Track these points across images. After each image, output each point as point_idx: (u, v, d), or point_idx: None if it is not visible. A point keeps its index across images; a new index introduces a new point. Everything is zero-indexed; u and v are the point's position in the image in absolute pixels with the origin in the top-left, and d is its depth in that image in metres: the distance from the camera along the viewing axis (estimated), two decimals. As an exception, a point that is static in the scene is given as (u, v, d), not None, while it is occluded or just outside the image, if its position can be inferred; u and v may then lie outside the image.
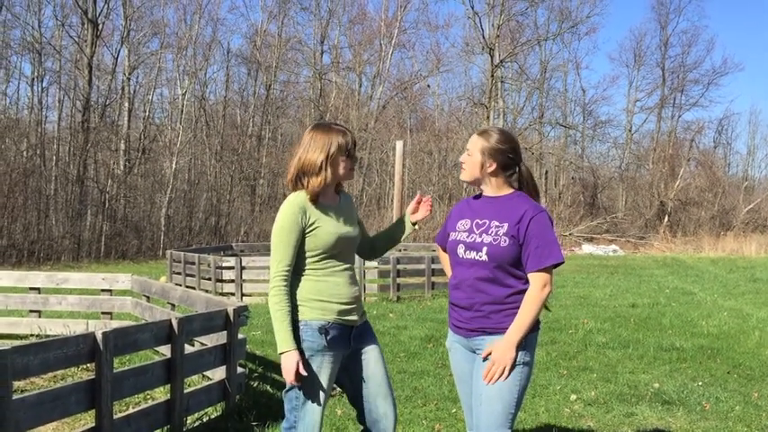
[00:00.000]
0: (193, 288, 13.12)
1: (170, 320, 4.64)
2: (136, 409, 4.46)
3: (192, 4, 35.18)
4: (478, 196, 3.20)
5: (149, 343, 4.69)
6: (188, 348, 5.14)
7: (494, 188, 3.12)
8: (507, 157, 3.09)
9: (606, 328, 9.17)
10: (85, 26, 29.79)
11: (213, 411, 5.07)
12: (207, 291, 12.59)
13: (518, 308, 2.95)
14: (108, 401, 3.95)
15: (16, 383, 4.84)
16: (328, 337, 2.97)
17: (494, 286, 2.99)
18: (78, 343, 3.90)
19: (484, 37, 38.40)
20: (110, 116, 32.00)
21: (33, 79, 30.25)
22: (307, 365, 2.92)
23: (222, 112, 36.72)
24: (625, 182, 43.60)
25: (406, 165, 29.08)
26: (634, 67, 46.01)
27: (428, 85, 41.99)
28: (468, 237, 3.06)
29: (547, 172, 42.41)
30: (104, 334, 3.96)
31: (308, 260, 3.03)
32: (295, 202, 3.03)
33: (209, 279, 14.02)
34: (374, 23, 40.49)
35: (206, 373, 5.60)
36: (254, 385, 5.89)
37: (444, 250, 3.28)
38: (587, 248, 31.52)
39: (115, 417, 4.08)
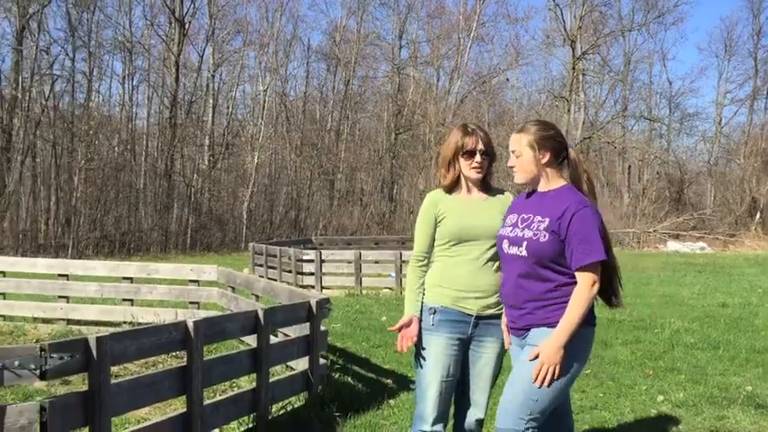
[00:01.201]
0: (275, 280, 13.41)
1: (256, 311, 4.76)
2: (224, 396, 4.61)
3: (273, 2, 35.94)
4: (531, 193, 3.16)
5: (236, 333, 4.84)
6: (272, 339, 5.27)
7: (547, 181, 3.07)
8: (557, 142, 3.06)
9: (694, 327, 8.84)
10: (173, 25, 30.85)
11: (296, 401, 5.18)
12: (288, 283, 12.85)
13: (562, 302, 2.90)
14: (198, 388, 4.09)
15: (111, 369, 5.10)
16: (435, 320, 3.18)
17: (534, 282, 2.96)
18: (171, 331, 4.05)
19: (565, 29, 37.60)
20: (195, 112, 33.03)
21: (124, 77, 31.56)
22: (419, 345, 3.22)
23: (302, 107, 37.31)
24: (714, 177, 41.85)
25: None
26: (724, 58, 44.02)
27: (507, 79, 41.46)
28: (511, 232, 3.05)
29: (630, 167, 41.21)
30: (195, 323, 4.11)
31: (437, 248, 3.26)
32: (430, 195, 3.34)
33: (290, 271, 14.29)
34: (452, 17, 40.27)
35: (289, 364, 5.72)
36: (336, 377, 5.98)
37: None
38: (673, 246, 30.43)
39: (204, 403, 4.22)
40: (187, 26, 30.94)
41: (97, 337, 3.52)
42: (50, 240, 23.69)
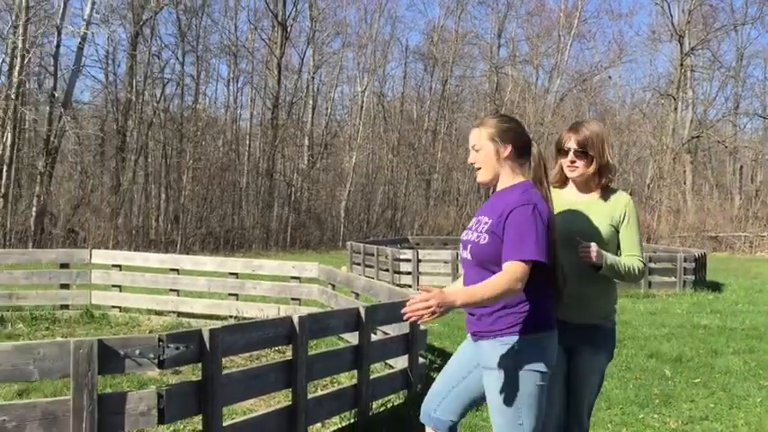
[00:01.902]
0: (372, 278, 13.57)
1: (358, 309, 4.84)
2: (327, 391, 4.71)
3: (372, 3, 36.34)
4: (493, 192, 2.95)
5: (339, 329, 4.94)
6: (373, 336, 5.34)
7: (507, 178, 2.85)
8: (518, 135, 2.85)
9: (814, 338, 8.32)
10: (275, 29, 31.72)
11: (396, 399, 5.23)
12: (385, 282, 12.97)
13: (509, 309, 2.70)
14: (303, 382, 4.20)
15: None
16: None
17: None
18: (277, 326, 4.18)
19: (673, 23, 36.11)
20: (295, 113, 33.83)
21: (229, 80, 32.72)
22: None
23: (399, 107, 37.53)
24: (835, 178, 39.11)
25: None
26: None
27: (609, 77, 40.22)
28: (465, 235, 2.88)
29: (742, 167, 39.06)
30: (300, 318, 4.22)
31: None
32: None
33: (387, 270, 14.42)
34: (553, 14, 39.48)
35: (388, 362, 5.78)
36: (434, 376, 5.98)
37: None
38: (790, 251, 28.70)
39: (308, 397, 4.33)
40: (289, 29, 31.73)
41: (210, 330, 3.68)
42: (160, 236, 24.89)
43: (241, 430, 3.87)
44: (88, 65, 25.25)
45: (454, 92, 38.77)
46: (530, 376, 2.70)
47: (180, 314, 8.88)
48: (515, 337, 2.70)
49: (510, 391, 2.69)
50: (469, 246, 2.80)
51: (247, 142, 32.31)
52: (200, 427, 4.10)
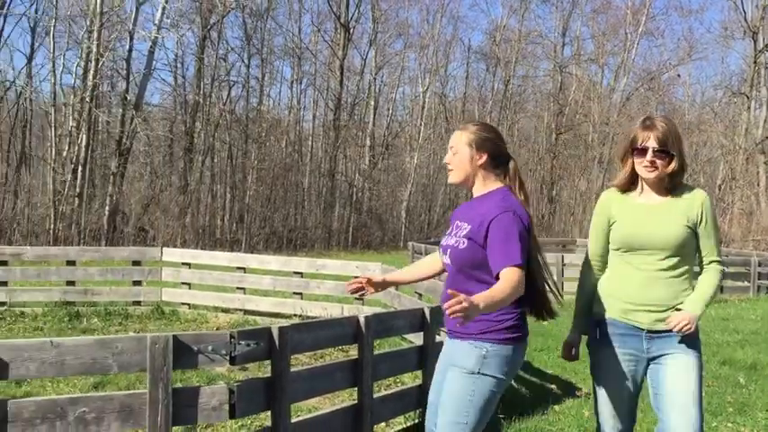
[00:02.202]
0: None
1: (422, 309, 4.84)
2: (392, 391, 4.74)
3: (434, 4, 36.30)
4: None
5: (403, 329, 4.95)
6: (436, 337, 5.34)
7: (482, 184, 2.95)
8: (496, 146, 2.95)
9: None
10: (338, 30, 32.02)
11: (460, 400, 5.21)
12: (447, 283, 12.94)
13: (483, 314, 2.66)
14: (369, 381, 4.23)
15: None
16: (599, 334, 3.04)
17: (458, 290, 2.68)
18: (344, 325, 4.22)
19: (746, 20, 34.81)
20: (357, 114, 34.07)
21: (293, 82, 33.18)
22: (591, 357, 3.13)
23: (461, 108, 37.37)
24: None
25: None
26: None
27: (678, 75, 39.06)
28: (445, 240, 2.98)
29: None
30: (366, 318, 4.25)
31: (611, 252, 3.07)
32: (603, 195, 3.13)
33: (449, 271, 14.38)
34: (619, 12, 38.63)
35: (453, 363, 5.77)
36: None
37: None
38: None
39: (376, 395, 4.36)
40: (351, 31, 31.98)
41: (280, 327, 3.75)
42: (226, 235, 25.43)
43: (308, 427, 3.93)
44: (158, 68, 26.04)
45: (516, 92, 38.37)
46: (488, 381, 2.79)
47: (246, 312, 9.07)
48: (487, 344, 2.79)
49: (466, 391, 2.79)
50: (449, 251, 2.88)
51: (310, 143, 32.71)
52: (266, 423, 4.18)
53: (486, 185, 2.95)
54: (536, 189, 36.36)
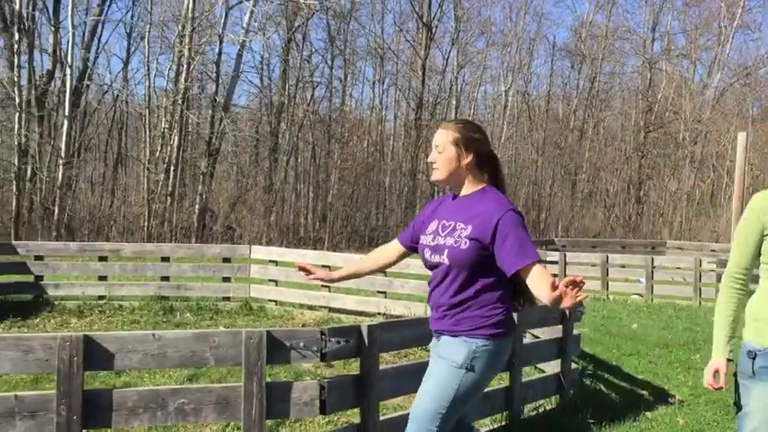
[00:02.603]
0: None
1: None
2: (478, 392, 4.70)
3: (517, 1, 35.82)
4: (454, 197, 3.03)
5: (490, 330, 4.91)
6: (524, 339, 5.28)
7: (468, 184, 2.98)
8: (482, 144, 2.98)
9: None
10: (420, 30, 32.04)
11: (548, 403, 5.14)
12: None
13: (474, 312, 2.86)
14: (456, 381, 4.23)
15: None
16: (756, 366, 2.59)
17: (452, 289, 2.88)
18: (427, 325, 4.23)
19: None
20: (439, 114, 34.00)
21: (375, 82, 33.43)
22: (737, 391, 2.67)
23: (545, 106, 36.74)
24: None
25: (747, 159, 26.21)
26: None
27: (777, 69, 37.17)
28: (432, 240, 2.95)
29: None
30: (454, 318, 4.25)
31: (762, 266, 2.64)
32: (757, 198, 2.67)
33: (533, 272, 14.16)
34: (713, 5, 37.04)
35: (539, 366, 5.69)
36: (587, 383, 5.83)
37: (408, 247, 3.20)
38: None
39: (461, 396, 4.35)
40: (434, 30, 31.93)
41: (369, 326, 3.81)
42: (309, 234, 25.88)
43: (396, 425, 3.95)
44: (245, 70, 26.69)
45: (603, 89, 37.39)
46: (474, 376, 2.86)
47: (331, 309, 9.20)
48: (478, 340, 2.85)
49: (451, 383, 2.85)
50: (446, 251, 2.87)
51: (391, 143, 32.87)
52: (353, 420, 4.24)
53: (472, 185, 2.98)
54: (623, 189, 35.35)
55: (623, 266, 13.84)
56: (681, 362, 7.06)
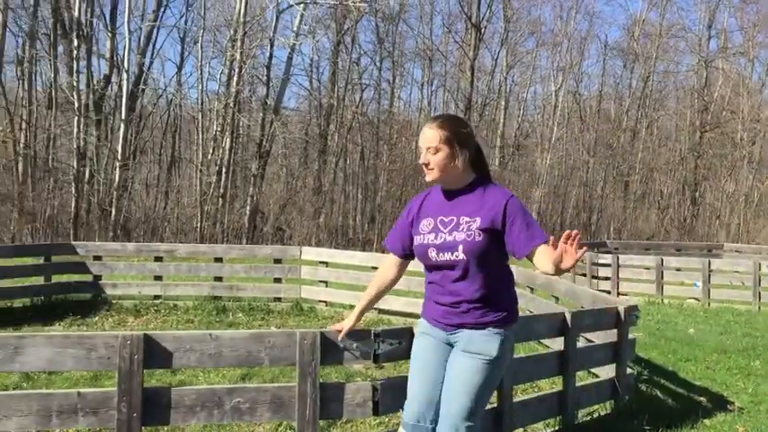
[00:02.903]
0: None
1: (563, 313, 4.74)
2: (532, 396, 4.67)
3: (568, 0, 35.34)
4: (444, 192, 3.03)
5: (543, 333, 4.87)
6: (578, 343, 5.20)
7: (462, 178, 2.99)
8: (471, 139, 3.01)
9: None
10: (469, 31, 31.88)
11: (602, 409, 5.06)
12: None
13: (494, 303, 2.93)
14: (509, 385, 4.20)
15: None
16: None
17: (469, 283, 2.91)
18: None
19: None
20: (488, 115, 33.77)
21: (423, 83, 33.40)
22: None
23: (596, 106, 36.16)
24: None
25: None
26: None
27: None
28: (435, 238, 2.94)
29: None
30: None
31: None
32: None
33: (584, 275, 13.95)
34: (773, 0, 35.92)
35: (592, 370, 5.60)
36: (643, 388, 5.72)
37: (404, 256, 3.20)
38: None
39: (514, 400, 4.32)
40: (483, 31, 31.74)
41: (412, 328, 3.79)
42: (358, 235, 25.99)
43: (448, 428, 3.94)
44: (295, 73, 26.91)
45: (656, 88, 36.61)
46: (503, 365, 2.99)
47: (380, 311, 9.21)
48: (503, 329, 2.95)
49: (487, 377, 2.92)
50: (460, 246, 2.88)
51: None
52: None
53: (464, 178, 3.02)
54: (677, 190, 34.57)
55: (678, 270, 13.52)
56: (740, 368, 6.86)
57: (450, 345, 3.03)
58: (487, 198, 2.95)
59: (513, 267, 8.37)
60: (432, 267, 3.02)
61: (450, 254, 2.91)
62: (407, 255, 3.19)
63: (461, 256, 2.89)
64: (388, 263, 3.29)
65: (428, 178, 3.01)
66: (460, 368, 2.95)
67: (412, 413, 3.01)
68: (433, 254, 2.96)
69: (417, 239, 3.02)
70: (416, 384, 3.05)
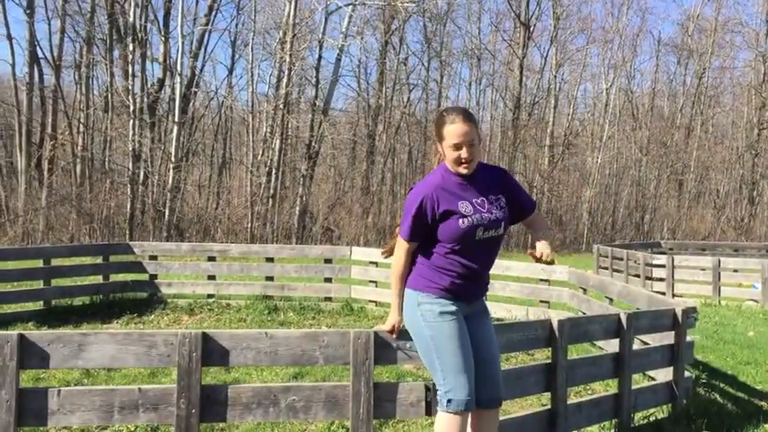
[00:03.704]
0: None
1: (618, 315, 4.66)
2: (586, 398, 4.60)
3: (620, -4, 34.69)
4: (444, 178, 3.22)
5: (597, 335, 4.78)
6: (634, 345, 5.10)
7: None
8: None
9: None
10: (518, 29, 31.61)
11: (659, 412, 4.95)
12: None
13: None
14: (563, 386, 4.15)
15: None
16: None
17: (495, 257, 3.37)
18: (537, 328, 4.17)
19: None
20: (537, 113, 33.41)
21: (471, 83, 33.26)
22: None
23: (649, 104, 35.44)
24: None
25: None
26: None
27: None
28: (481, 218, 3.16)
29: None
30: (560, 322, 4.17)
31: None
32: None
33: (638, 276, 13.69)
34: (835, -9, 34.64)
35: (648, 373, 5.49)
36: (701, 392, 5.58)
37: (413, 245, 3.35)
38: None
39: (568, 402, 4.26)
40: (531, 29, 31.43)
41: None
42: (405, 235, 25.99)
43: (502, 429, 3.91)
44: (343, 74, 27.11)
45: (712, 85, 35.71)
46: None
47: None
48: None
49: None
50: (502, 223, 3.23)
51: (488, 143, 32.55)
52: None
53: None
54: (734, 189, 33.65)
55: (736, 271, 13.14)
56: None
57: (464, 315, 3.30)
58: (491, 175, 3.32)
59: (564, 268, 8.27)
60: (473, 245, 3.19)
61: (494, 231, 3.21)
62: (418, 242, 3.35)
63: (502, 230, 3.24)
64: (406, 252, 3.36)
65: (466, 171, 3.20)
66: (491, 332, 3.38)
67: (468, 390, 3.16)
68: (480, 232, 3.18)
69: (463, 222, 3.15)
70: (465, 362, 3.18)
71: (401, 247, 3.31)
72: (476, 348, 3.26)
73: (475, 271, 3.24)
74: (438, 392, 3.22)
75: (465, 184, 3.22)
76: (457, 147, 3.15)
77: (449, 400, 3.15)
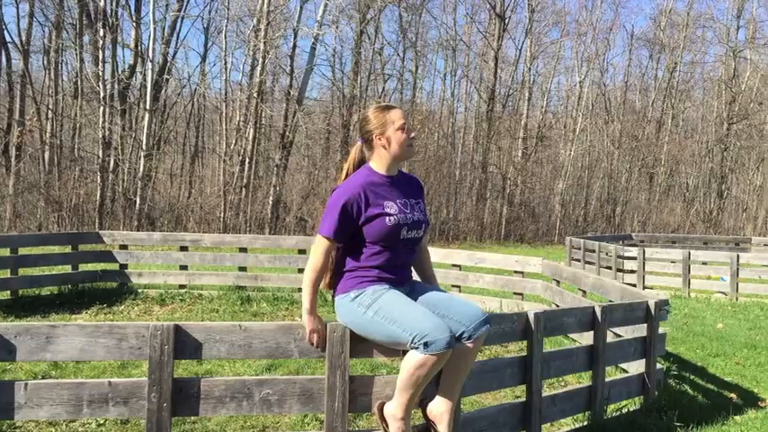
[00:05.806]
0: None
1: (593, 307, 4.68)
2: (561, 391, 4.62)
3: (594, -10, 34.90)
4: (370, 179, 3.31)
5: (573, 328, 4.78)
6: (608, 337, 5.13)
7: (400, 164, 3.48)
8: None
9: None
10: (493, 20, 31.66)
11: (631, 404, 4.99)
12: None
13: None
14: (538, 379, 4.15)
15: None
16: None
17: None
18: (513, 320, 4.16)
19: None
20: (511, 105, 33.55)
21: (446, 74, 33.26)
22: None
23: (622, 97, 35.77)
24: None
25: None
26: None
27: None
28: (405, 218, 3.28)
29: None
30: (536, 315, 4.17)
31: None
32: None
33: (609, 268, 13.82)
34: (804, -11, 35.23)
35: (621, 366, 5.53)
36: (672, 384, 5.64)
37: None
38: None
39: (542, 395, 4.26)
40: (507, 21, 31.50)
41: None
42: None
43: (476, 421, 3.91)
44: (318, 63, 26.95)
45: (683, 79, 36.14)
46: None
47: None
48: None
49: None
50: (423, 225, 3.39)
51: (462, 135, 32.63)
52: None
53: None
54: (703, 183, 34.15)
55: (705, 263, 13.34)
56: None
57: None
58: (411, 183, 3.48)
59: (538, 260, 8.28)
60: (397, 243, 3.29)
61: (415, 232, 3.35)
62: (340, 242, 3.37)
63: (422, 233, 3.40)
64: (326, 252, 3.32)
65: (413, 156, 3.59)
66: (435, 288, 3.54)
67: (443, 326, 3.10)
68: (404, 232, 3.29)
69: (389, 220, 3.25)
70: (422, 309, 3.20)
71: (321, 245, 3.28)
72: (426, 302, 3.31)
73: (399, 266, 3.37)
74: (410, 348, 3.14)
75: (389, 186, 3.33)
76: (404, 128, 3.31)
77: (425, 344, 3.05)
